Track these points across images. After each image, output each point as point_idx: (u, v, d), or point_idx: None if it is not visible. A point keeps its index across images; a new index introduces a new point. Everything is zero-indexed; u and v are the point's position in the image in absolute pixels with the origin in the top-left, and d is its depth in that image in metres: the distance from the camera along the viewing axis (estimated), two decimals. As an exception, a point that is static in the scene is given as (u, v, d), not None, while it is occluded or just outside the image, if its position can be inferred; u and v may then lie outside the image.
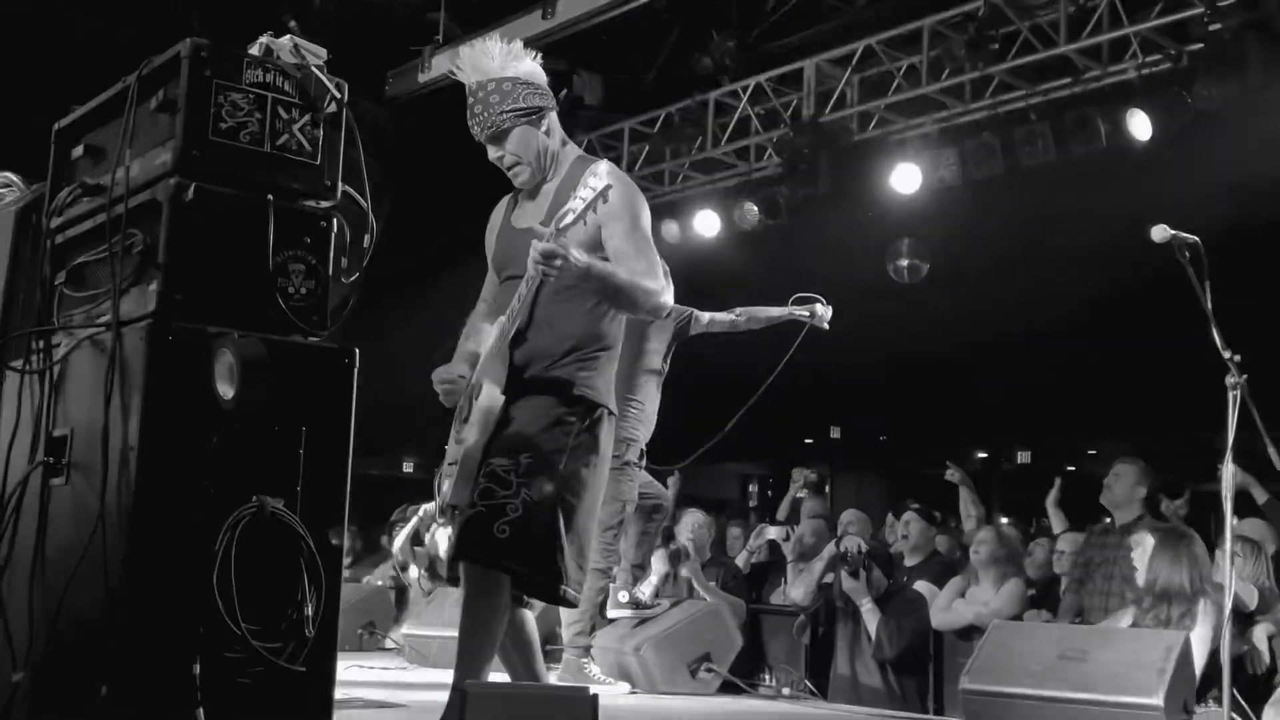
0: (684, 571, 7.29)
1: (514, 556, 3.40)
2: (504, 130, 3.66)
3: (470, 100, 3.69)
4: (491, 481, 3.45)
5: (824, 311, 5.96)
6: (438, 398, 3.80)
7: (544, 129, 3.73)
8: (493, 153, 3.74)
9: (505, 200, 3.98)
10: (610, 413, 3.70)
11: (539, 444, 3.49)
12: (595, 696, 2.55)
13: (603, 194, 3.35)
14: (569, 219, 3.35)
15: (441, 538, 8.72)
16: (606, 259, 3.61)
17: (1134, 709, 4.62)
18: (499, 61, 3.67)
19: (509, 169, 3.76)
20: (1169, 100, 7.97)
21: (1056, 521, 7.96)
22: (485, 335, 3.78)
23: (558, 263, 3.34)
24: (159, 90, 3.01)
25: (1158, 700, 4.57)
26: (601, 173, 3.37)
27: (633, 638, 6.06)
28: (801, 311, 5.98)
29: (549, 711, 2.55)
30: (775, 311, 6.10)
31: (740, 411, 6.44)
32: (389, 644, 7.74)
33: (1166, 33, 7.93)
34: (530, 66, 3.73)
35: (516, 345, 3.62)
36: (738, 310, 6.13)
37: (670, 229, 10.49)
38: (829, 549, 6.67)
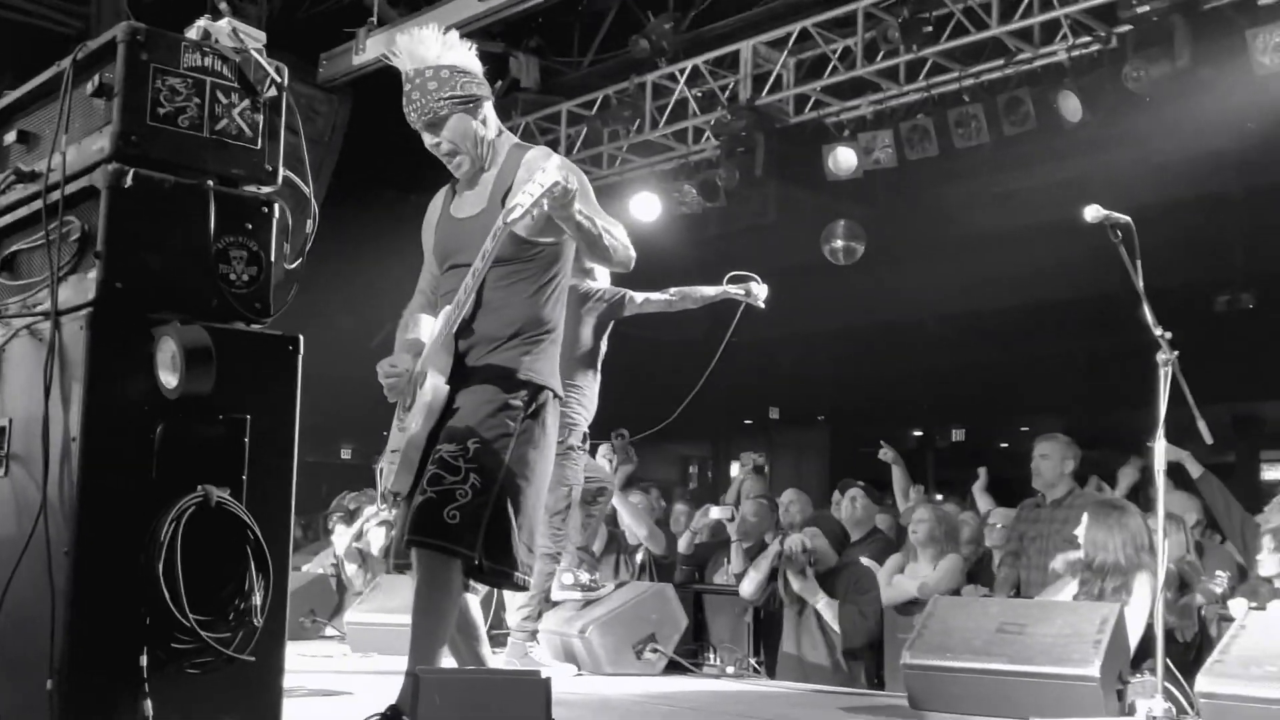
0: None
1: (465, 542, 3.41)
2: (441, 118, 3.66)
3: (407, 87, 3.68)
4: (440, 468, 3.46)
5: (759, 290, 5.97)
6: (376, 384, 3.80)
7: (481, 118, 3.74)
8: (429, 140, 3.73)
9: (442, 192, 3.98)
10: (556, 395, 3.72)
11: (486, 429, 3.50)
12: (548, 680, 2.56)
13: (549, 191, 3.35)
14: (517, 213, 3.35)
15: (376, 535, 8.69)
16: (551, 243, 3.65)
17: (1071, 680, 4.72)
18: (436, 50, 3.66)
19: (446, 157, 3.76)
20: (1099, 81, 8.10)
21: (984, 504, 8.08)
22: (426, 325, 3.78)
23: (568, 194, 3.38)
24: (95, 75, 2.95)
25: (1093, 671, 4.68)
26: (551, 167, 3.38)
27: (578, 620, 6.08)
28: (737, 290, 5.98)
29: (502, 696, 2.55)
30: (710, 291, 6.10)
31: (691, 394, 6.46)
32: (330, 632, 7.69)
33: (1096, 15, 8.04)
34: (467, 56, 3.73)
35: (461, 332, 3.62)
36: (672, 290, 6.13)
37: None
38: (773, 547, 6.68)
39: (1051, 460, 6.59)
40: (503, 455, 3.51)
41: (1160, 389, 4.76)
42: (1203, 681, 4.26)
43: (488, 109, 3.77)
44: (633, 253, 3.77)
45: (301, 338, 3.06)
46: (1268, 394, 14.40)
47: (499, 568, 3.49)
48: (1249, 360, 12.94)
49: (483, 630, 3.84)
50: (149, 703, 2.67)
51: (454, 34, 3.75)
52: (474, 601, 3.85)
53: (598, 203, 3.77)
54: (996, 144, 8.76)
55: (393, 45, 3.70)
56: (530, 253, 3.65)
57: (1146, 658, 5.00)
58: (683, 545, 8.03)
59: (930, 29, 8.44)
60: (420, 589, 3.47)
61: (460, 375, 3.61)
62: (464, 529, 3.40)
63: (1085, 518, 5.61)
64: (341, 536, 9.10)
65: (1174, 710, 4.49)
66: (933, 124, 8.85)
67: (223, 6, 8.20)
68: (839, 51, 9.23)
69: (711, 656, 6.58)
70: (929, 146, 8.91)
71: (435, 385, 3.54)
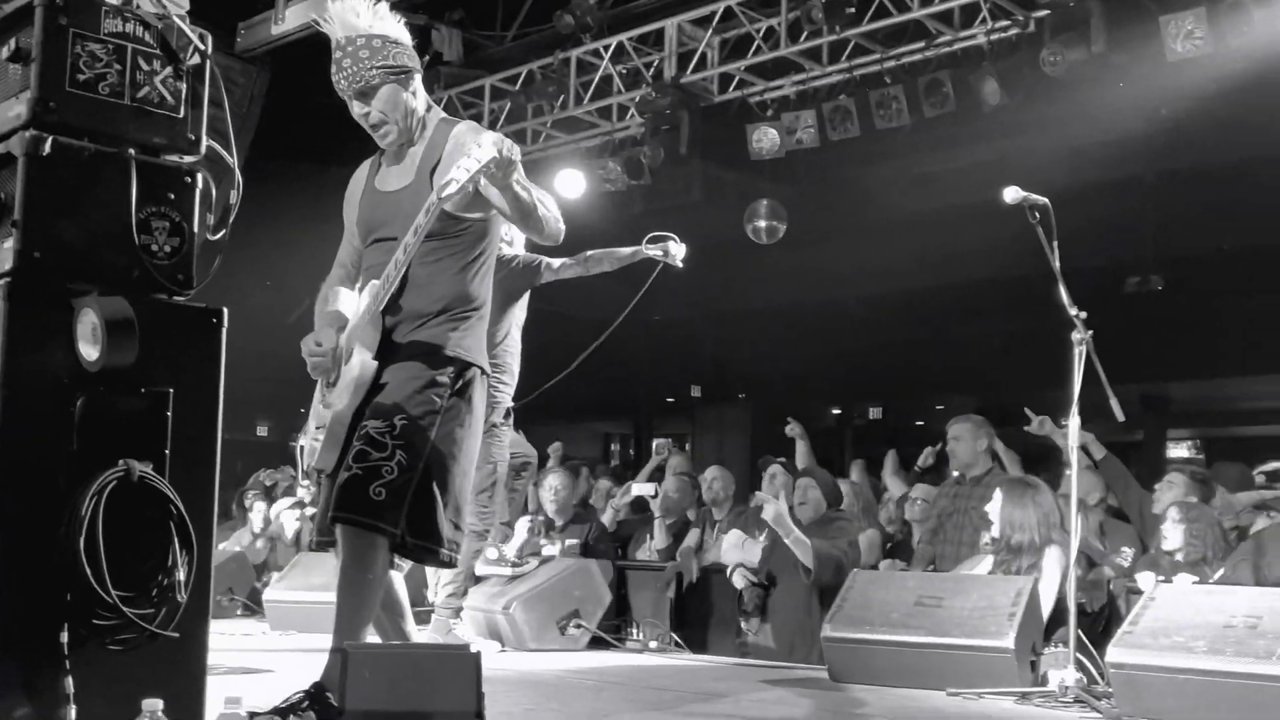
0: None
1: (390, 519, 3.39)
2: (372, 86, 3.62)
3: (338, 54, 3.63)
4: (366, 444, 3.44)
5: (677, 250, 5.93)
6: (293, 360, 3.76)
7: (411, 90, 3.71)
8: (358, 109, 3.69)
9: (366, 165, 3.94)
10: (483, 372, 3.70)
11: (413, 406, 3.49)
12: (478, 654, 2.56)
13: (486, 166, 3.33)
14: (451, 188, 3.33)
15: (288, 518, 8.61)
16: (479, 219, 3.63)
17: (986, 651, 4.84)
18: (368, 19, 3.63)
19: (374, 127, 3.72)
20: (1017, 65, 8.23)
21: (894, 487, 8.18)
22: (347, 299, 3.74)
23: (509, 164, 3.38)
24: (10, 39, 2.87)
25: (1008, 643, 4.80)
26: (486, 142, 3.35)
27: (502, 597, 6.09)
28: (654, 250, 5.97)
29: (431, 671, 2.55)
30: (625, 251, 6.07)
31: (588, 349, 6.41)
32: (248, 609, 7.63)
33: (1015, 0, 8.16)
34: (398, 27, 3.71)
35: (388, 308, 3.59)
36: (589, 253, 6.09)
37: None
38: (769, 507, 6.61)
39: (965, 441, 6.70)
40: (429, 432, 3.50)
41: (1074, 368, 4.87)
42: (1113, 652, 4.39)
43: (418, 82, 3.74)
44: (562, 225, 3.78)
45: (225, 310, 3.02)
46: (1175, 374, 14.80)
47: (424, 544, 3.48)
48: (1158, 341, 13.28)
49: (407, 607, 3.84)
50: (70, 680, 2.63)
51: (384, 5, 3.70)
52: (398, 579, 3.83)
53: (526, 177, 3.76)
54: (917, 125, 8.86)
55: (323, 12, 3.64)
56: (458, 228, 3.63)
57: (1058, 629, 5.13)
58: (606, 521, 8.06)
59: (853, 10, 8.50)
60: (345, 566, 3.45)
61: (387, 351, 3.59)
62: (389, 505, 3.39)
63: (999, 496, 5.72)
64: (258, 514, 9.01)
65: (1085, 680, 4.62)
66: (854, 105, 8.93)
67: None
68: (763, 31, 9.26)
69: (634, 631, 6.62)
70: (851, 127, 8.99)
71: (363, 361, 3.52)
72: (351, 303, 3.73)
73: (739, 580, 6.43)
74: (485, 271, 3.76)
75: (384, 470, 3.39)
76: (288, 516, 8.56)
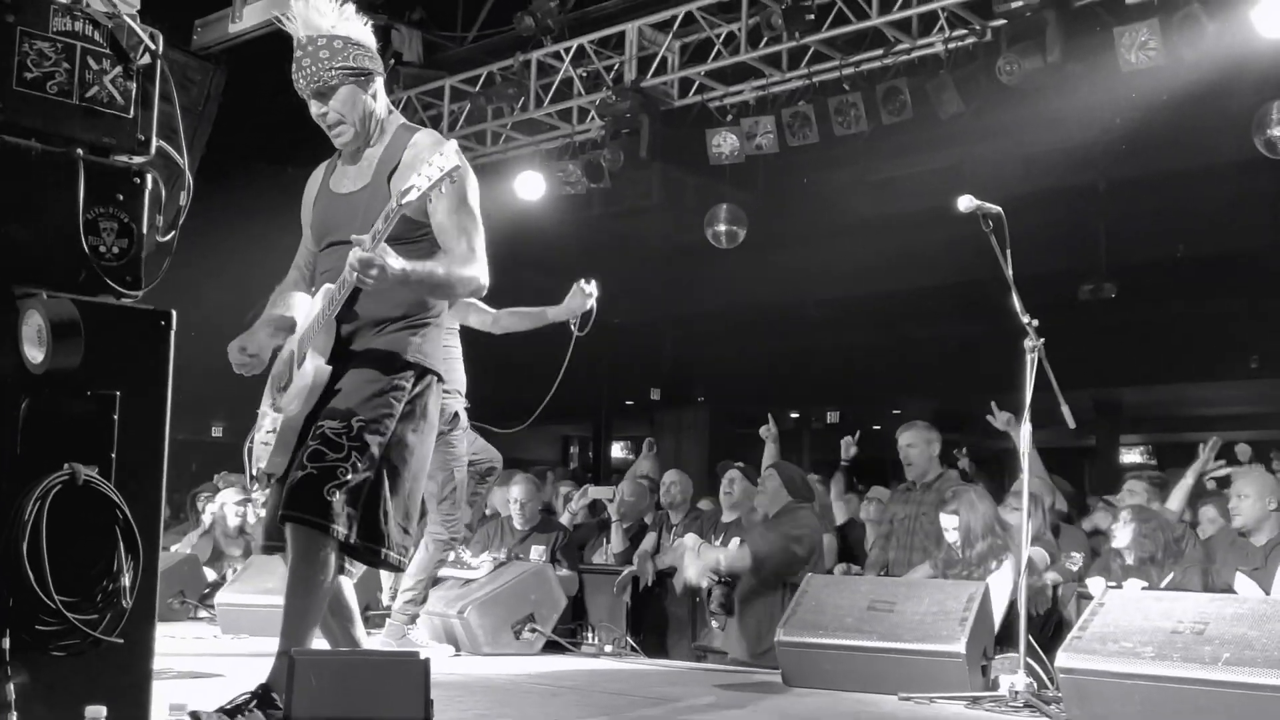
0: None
1: (341, 520, 3.38)
2: (331, 87, 3.61)
3: (298, 53, 3.61)
4: (323, 444, 3.42)
5: (584, 303, 5.79)
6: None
7: (371, 92, 3.69)
8: (316, 109, 3.67)
9: (322, 167, 3.92)
10: (439, 379, 3.70)
11: (370, 409, 3.48)
12: (427, 661, 2.55)
13: (449, 175, 3.32)
14: (412, 195, 3.32)
15: (230, 510, 8.53)
16: (428, 232, 3.61)
17: (938, 656, 4.87)
18: (331, 19, 3.61)
19: (331, 128, 3.70)
20: (974, 74, 8.30)
21: (840, 513, 8.11)
22: (300, 302, 3.72)
23: (373, 272, 3.33)
24: (-44, 37, 2.83)
25: (959, 648, 4.83)
26: (449, 151, 3.34)
27: (457, 601, 6.07)
28: (560, 315, 5.80)
29: (379, 678, 2.53)
30: (534, 311, 5.92)
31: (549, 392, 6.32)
32: (200, 613, 7.55)
33: (972, 9, 8.22)
34: (362, 30, 3.68)
35: (344, 314, 3.57)
36: (499, 314, 5.91)
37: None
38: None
39: (918, 448, 6.73)
40: (385, 436, 3.50)
41: (1026, 375, 4.92)
42: (1063, 657, 4.42)
43: (378, 85, 3.73)
44: (481, 281, 3.63)
45: (174, 313, 2.98)
46: (1127, 380, 14.97)
47: (371, 545, 3.48)
48: (1110, 347, 13.43)
49: (357, 612, 3.81)
50: (11, 686, 2.59)
51: (350, 7, 3.68)
52: (348, 583, 3.81)
53: (478, 197, 3.72)
54: (875, 132, 8.92)
55: (286, 10, 3.62)
56: (418, 234, 3.62)
57: (1009, 634, 5.17)
58: (565, 522, 8.05)
59: (812, 17, 8.54)
60: (294, 566, 3.43)
61: (345, 354, 3.58)
62: (341, 507, 3.38)
63: (956, 506, 5.73)
64: (210, 516, 8.93)
65: (1035, 685, 4.66)
66: (814, 111, 8.98)
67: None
68: (723, 36, 9.29)
69: (590, 635, 6.61)
70: (810, 133, 9.04)
71: (317, 366, 3.50)
72: (304, 306, 3.71)
73: (703, 578, 6.46)
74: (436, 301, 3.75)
75: (339, 471, 3.38)
76: (230, 509, 8.50)
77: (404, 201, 3.35)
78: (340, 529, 3.38)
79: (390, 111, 3.79)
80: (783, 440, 8.87)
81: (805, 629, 5.17)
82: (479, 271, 3.63)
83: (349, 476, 3.39)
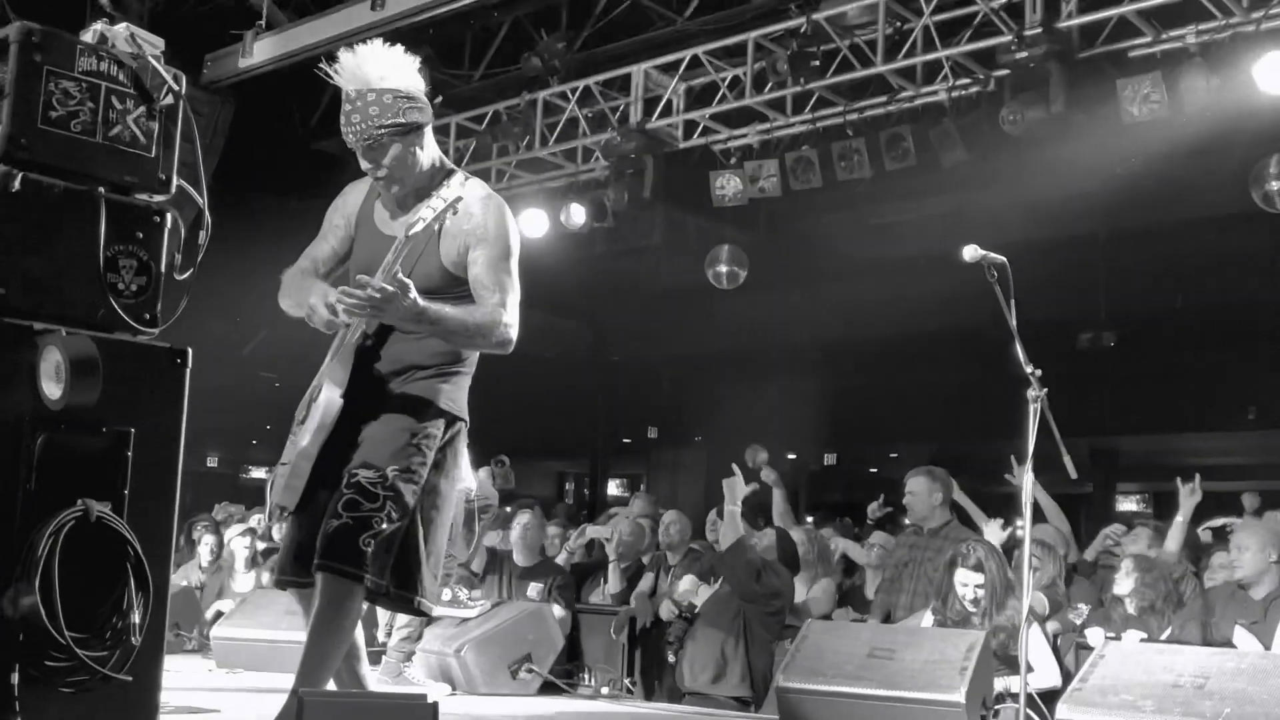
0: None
1: (377, 570, 3.41)
2: (382, 144, 3.59)
3: (347, 107, 3.59)
4: (358, 494, 3.44)
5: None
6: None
7: (420, 144, 3.67)
8: (366, 163, 3.66)
9: (369, 187, 3.86)
10: (466, 425, 3.72)
11: (404, 458, 3.51)
12: (435, 705, 2.55)
13: (452, 205, 3.35)
14: (418, 228, 3.35)
15: (239, 545, 8.51)
16: (466, 290, 3.62)
17: (937, 705, 4.85)
18: (380, 69, 3.59)
19: (381, 180, 3.69)
20: (977, 122, 8.38)
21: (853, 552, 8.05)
22: (320, 290, 3.66)
23: (387, 304, 3.35)
24: (-17, 74, 2.86)
25: (959, 697, 4.81)
26: (454, 183, 3.37)
27: (455, 640, 6.05)
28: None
29: (386, 719, 2.54)
30: None
31: None
32: (189, 645, 7.52)
33: (976, 58, 8.31)
34: (411, 78, 3.66)
35: (372, 353, 3.59)
36: None
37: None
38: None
39: (920, 496, 6.72)
40: (418, 484, 3.53)
41: (1029, 424, 4.93)
42: (1063, 709, 4.42)
43: (427, 134, 3.70)
44: (509, 335, 3.62)
45: (190, 350, 3.00)
46: (1125, 428, 15.00)
47: (404, 594, 3.52)
48: (1108, 396, 13.47)
49: (364, 651, 3.82)
50: (18, 722, 2.59)
51: (399, 51, 3.66)
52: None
53: (519, 247, 3.72)
54: (877, 177, 8.99)
55: (331, 63, 3.62)
56: (458, 289, 3.62)
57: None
58: (560, 562, 8.03)
59: (817, 63, 8.63)
60: (323, 611, 3.44)
61: (374, 399, 3.60)
62: (376, 556, 3.41)
63: (979, 562, 5.67)
64: (206, 547, 8.90)
65: (1035, 737, 4.65)
66: (817, 155, 9.05)
67: (104, 2, 7.99)
68: (728, 80, 9.38)
69: (586, 677, 6.59)
70: (813, 177, 9.11)
71: (329, 399, 3.52)
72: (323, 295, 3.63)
73: (665, 613, 6.49)
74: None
75: (374, 521, 3.42)
76: (239, 544, 8.48)
77: (410, 234, 3.37)
78: (375, 579, 3.41)
79: (439, 159, 3.76)
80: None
81: (805, 675, 5.15)
82: (506, 326, 3.60)
83: (384, 526, 3.41)
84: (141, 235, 2.97)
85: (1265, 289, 12.01)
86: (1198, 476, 7.05)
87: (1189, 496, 6.96)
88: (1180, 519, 6.97)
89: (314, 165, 12.22)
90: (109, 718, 2.68)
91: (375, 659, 6.13)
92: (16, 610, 2.58)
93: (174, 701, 4.77)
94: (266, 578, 8.67)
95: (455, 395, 3.67)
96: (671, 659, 6.52)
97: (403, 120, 3.58)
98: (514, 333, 3.63)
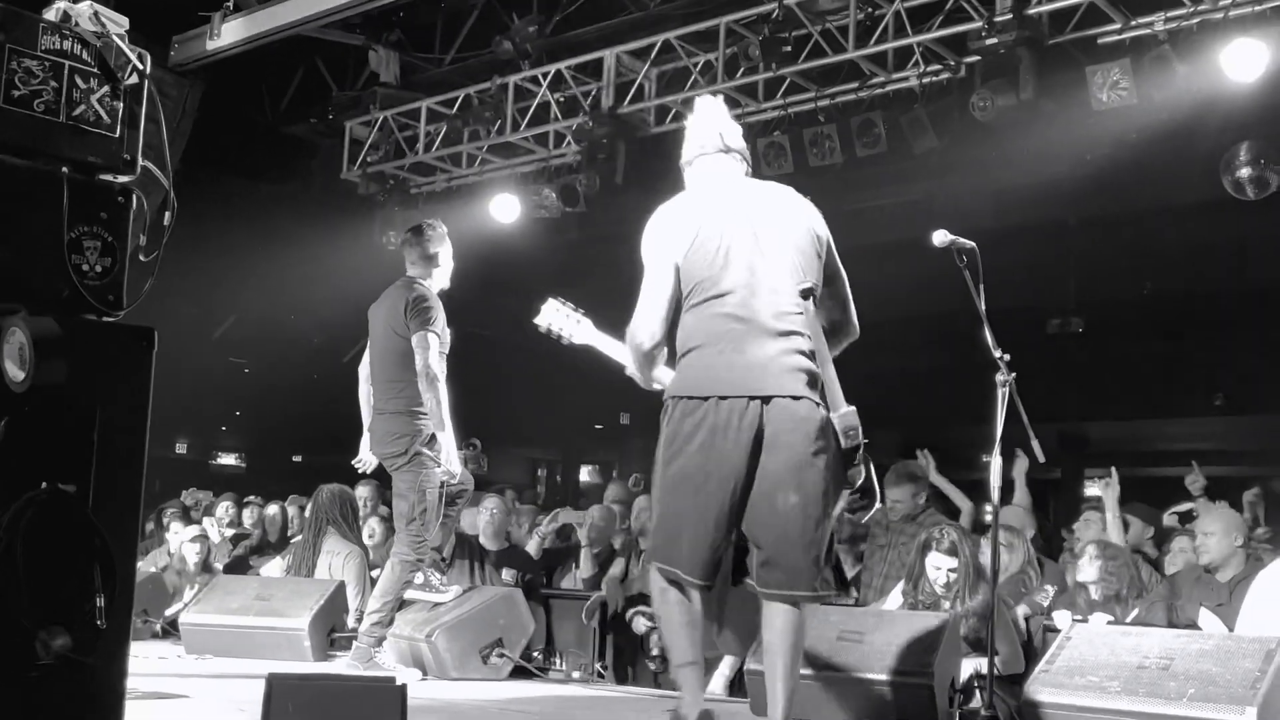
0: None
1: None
2: None
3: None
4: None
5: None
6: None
7: None
8: None
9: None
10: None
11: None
12: (404, 687, 2.55)
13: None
14: None
15: (189, 551, 8.40)
16: None
17: (906, 686, 4.89)
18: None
19: None
20: (947, 108, 8.40)
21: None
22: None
23: None
24: (-57, 54, 2.82)
25: (927, 679, 4.85)
26: None
27: (425, 625, 6.04)
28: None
29: (356, 703, 2.53)
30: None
31: None
32: (159, 632, 7.49)
33: (947, 45, 8.33)
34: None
35: None
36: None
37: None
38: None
39: (904, 501, 6.73)
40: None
41: (998, 408, 4.96)
42: (1030, 689, 4.46)
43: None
44: (636, 341, 3.90)
45: (155, 332, 2.98)
46: (1093, 414, 15.10)
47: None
48: (1077, 382, 13.55)
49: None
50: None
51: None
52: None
53: (655, 252, 3.89)
54: (848, 163, 9.00)
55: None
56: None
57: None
58: (531, 549, 8.03)
59: (789, 49, 8.62)
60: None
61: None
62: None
63: (954, 547, 5.70)
64: (175, 535, 8.85)
65: (1001, 718, 4.68)
66: (789, 141, 9.05)
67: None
68: (700, 65, 9.36)
69: (558, 661, 6.59)
70: (784, 163, 9.10)
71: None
72: None
73: (639, 625, 6.45)
74: None
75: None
76: (189, 549, 8.36)
77: None
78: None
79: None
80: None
81: (774, 658, 5.16)
82: (631, 334, 3.87)
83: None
84: (106, 216, 2.93)
85: (1233, 276, 12.12)
86: (1114, 470, 7.11)
87: (1108, 489, 7.04)
88: (1110, 515, 7.04)
89: (284, 149, 12.14)
90: (74, 702, 2.65)
91: (346, 645, 6.14)
92: None
93: (141, 687, 4.75)
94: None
95: None
96: (654, 668, 6.50)
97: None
98: (640, 335, 3.86)
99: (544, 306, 4.65)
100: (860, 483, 3.97)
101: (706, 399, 3.70)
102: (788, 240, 3.86)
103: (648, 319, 3.78)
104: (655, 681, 6.44)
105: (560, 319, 4.64)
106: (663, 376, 3.96)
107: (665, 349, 3.91)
